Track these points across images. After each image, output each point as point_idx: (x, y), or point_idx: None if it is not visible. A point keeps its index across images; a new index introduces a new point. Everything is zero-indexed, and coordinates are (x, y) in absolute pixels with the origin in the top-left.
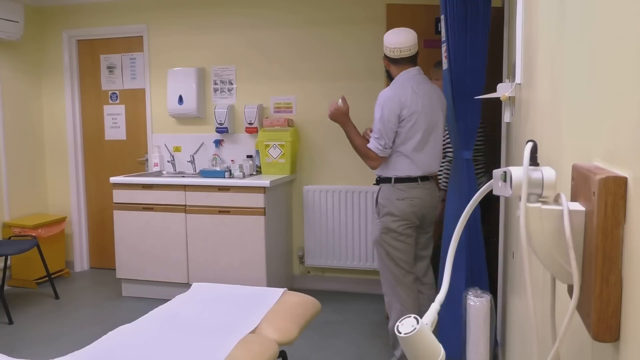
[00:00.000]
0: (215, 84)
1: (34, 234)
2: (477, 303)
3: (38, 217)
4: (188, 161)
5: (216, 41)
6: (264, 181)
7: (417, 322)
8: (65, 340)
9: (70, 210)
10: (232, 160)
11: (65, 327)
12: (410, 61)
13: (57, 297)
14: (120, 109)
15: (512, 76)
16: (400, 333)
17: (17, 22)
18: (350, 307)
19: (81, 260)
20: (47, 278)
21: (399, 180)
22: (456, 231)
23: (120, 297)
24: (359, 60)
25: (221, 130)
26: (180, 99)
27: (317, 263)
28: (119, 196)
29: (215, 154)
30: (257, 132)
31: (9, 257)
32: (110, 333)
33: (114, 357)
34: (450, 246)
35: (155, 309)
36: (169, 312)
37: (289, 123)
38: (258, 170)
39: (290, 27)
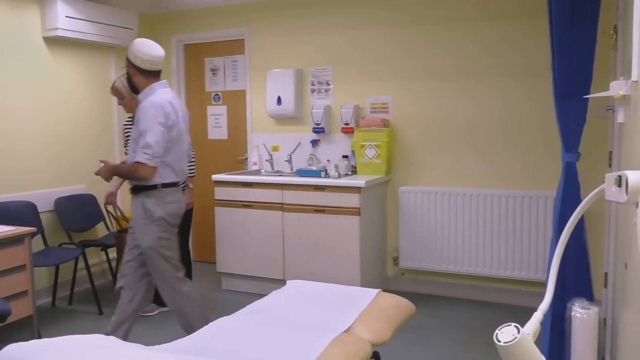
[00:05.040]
0: (313, 84)
1: None
2: (584, 315)
3: None
4: (285, 160)
5: (314, 42)
6: (359, 181)
7: (518, 331)
8: (167, 330)
9: None
10: (328, 160)
11: (169, 317)
12: (158, 74)
13: None
14: (222, 109)
15: (627, 73)
16: (499, 342)
17: (132, 29)
18: (445, 311)
19: None
20: None
21: (165, 185)
22: (561, 240)
23: (220, 290)
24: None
25: (318, 130)
26: (279, 100)
27: (412, 265)
28: (220, 193)
29: (311, 154)
30: (353, 132)
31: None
32: (209, 324)
33: (211, 347)
34: (555, 254)
35: (252, 303)
36: (265, 307)
37: (385, 123)
38: (353, 170)
39: (389, 26)
